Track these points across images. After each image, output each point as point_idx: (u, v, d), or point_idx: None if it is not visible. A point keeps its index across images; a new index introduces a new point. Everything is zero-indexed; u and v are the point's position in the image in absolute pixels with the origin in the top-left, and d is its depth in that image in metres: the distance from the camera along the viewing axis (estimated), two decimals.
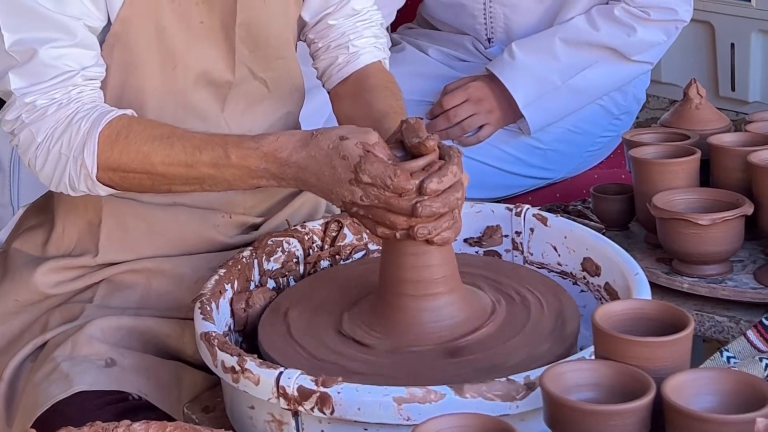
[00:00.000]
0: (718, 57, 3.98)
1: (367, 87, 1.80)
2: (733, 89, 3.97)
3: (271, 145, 1.50)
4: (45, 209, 1.82)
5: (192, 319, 1.53)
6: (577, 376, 1.18)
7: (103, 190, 1.59)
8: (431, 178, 1.43)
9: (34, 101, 1.55)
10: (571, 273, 1.69)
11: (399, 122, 1.53)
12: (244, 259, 1.64)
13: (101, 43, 1.62)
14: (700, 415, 1.09)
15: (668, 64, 3.92)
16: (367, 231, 1.56)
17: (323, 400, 1.30)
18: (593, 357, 1.26)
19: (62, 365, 1.62)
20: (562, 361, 1.25)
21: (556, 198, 2.60)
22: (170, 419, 1.55)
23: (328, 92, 1.88)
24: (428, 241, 1.47)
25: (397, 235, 1.46)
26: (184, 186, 1.57)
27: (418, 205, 1.43)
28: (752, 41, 3.87)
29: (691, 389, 1.14)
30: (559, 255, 1.70)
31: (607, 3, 2.56)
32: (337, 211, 1.97)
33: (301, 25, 1.88)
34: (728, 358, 1.52)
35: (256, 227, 1.81)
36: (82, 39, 1.58)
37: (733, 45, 3.92)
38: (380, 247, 1.71)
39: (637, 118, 2.86)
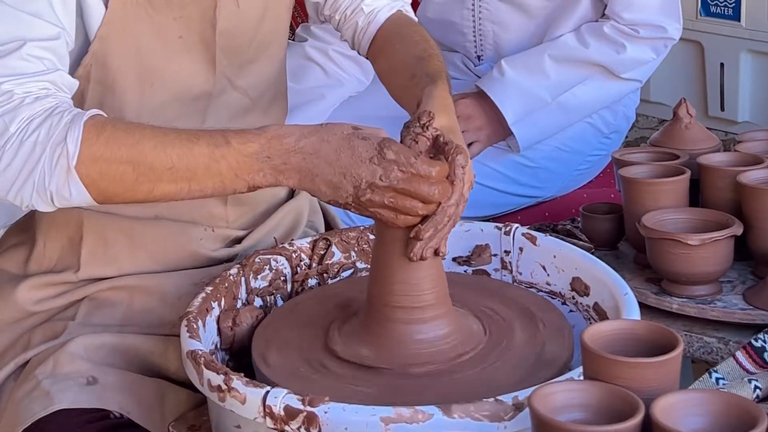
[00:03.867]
0: (708, 77, 3.99)
1: (396, 38, 1.80)
2: (722, 109, 3.97)
3: (276, 131, 1.44)
4: (26, 229, 1.80)
5: (175, 336, 1.52)
6: (566, 396, 1.17)
7: (75, 189, 1.45)
8: (427, 225, 1.43)
9: (11, 90, 1.46)
10: (559, 293, 1.68)
11: (435, 69, 1.55)
12: (231, 277, 1.63)
13: (79, 63, 1.60)
14: None
15: (657, 83, 3.93)
16: (380, 220, 1.46)
17: (310, 420, 1.28)
18: (582, 377, 1.25)
19: (43, 383, 1.60)
20: (551, 381, 1.24)
21: (545, 217, 2.60)
22: None
23: (367, 58, 1.88)
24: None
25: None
26: (171, 183, 1.46)
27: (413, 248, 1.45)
28: (741, 61, 3.88)
29: (680, 410, 1.13)
30: (548, 274, 1.69)
31: (596, 21, 2.56)
32: (321, 225, 1.97)
33: (315, 8, 1.90)
34: (717, 379, 1.52)
35: (239, 240, 1.80)
36: (61, 48, 1.53)
37: (722, 65, 3.93)
38: (368, 266, 1.71)
39: (626, 137, 2.86)
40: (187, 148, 1.44)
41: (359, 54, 1.91)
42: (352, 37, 1.89)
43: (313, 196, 1.47)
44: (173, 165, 1.45)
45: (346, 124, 1.45)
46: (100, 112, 1.50)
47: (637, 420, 1.11)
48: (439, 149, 1.44)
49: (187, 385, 1.54)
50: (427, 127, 1.44)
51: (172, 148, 1.44)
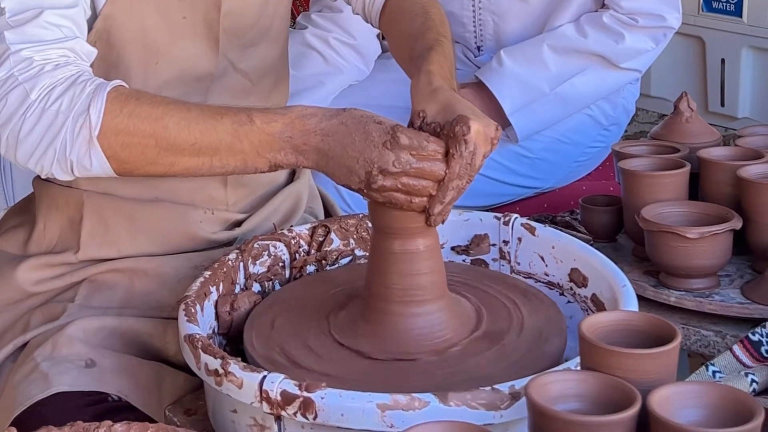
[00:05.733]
0: (708, 72, 3.99)
1: (399, 12, 1.79)
2: (722, 104, 3.97)
3: (300, 112, 1.44)
4: (26, 210, 1.81)
5: (174, 319, 1.52)
6: (563, 386, 1.17)
7: (97, 160, 1.46)
8: (434, 202, 1.42)
9: (31, 57, 1.46)
10: (557, 284, 1.68)
11: (430, 40, 1.56)
12: (229, 262, 1.63)
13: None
14: (685, 428, 1.08)
15: (658, 78, 3.92)
16: (393, 205, 1.44)
17: (306, 405, 1.28)
18: (579, 368, 1.25)
19: (42, 365, 1.60)
20: (548, 371, 1.24)
21: (544, 208, 2.60)
22: (150, 421, 1.55)
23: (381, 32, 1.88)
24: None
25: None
26: (193, 158, 1.46)
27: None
28: (743, 57, 3.88)
29: (677, 402, 1.13)
30: (546, 265, 1.69)
31: (596, 11, 2.56)
32: (320, 211, 1.97)
33: None
34: (714, 372, 1.52)
35: (238, 223, 1.79)
36: (79, 16, 1.54)
37: (723, 60, 3.92)
38: (367, 253, 1.71)
39: (626, 131, 2.86)
40: (210, 126, 1.45)
41: (374, 27, 1.89)
42: (362, 11, 1.88)
43: (330, 178, 1.46)
44: (196, 141, 1.45)
45: (366, 111, 1.44)
46: (123, 83, 1.50)
47: (633, 411, 1.11)
48: (443, 135, 1.43)
49: (185, 368, 1.53)
50: (422, 129, 1.44)
51: (195, 124, 1.45)
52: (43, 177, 1.50)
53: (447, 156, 1.41)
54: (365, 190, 1.43)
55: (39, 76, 1.45)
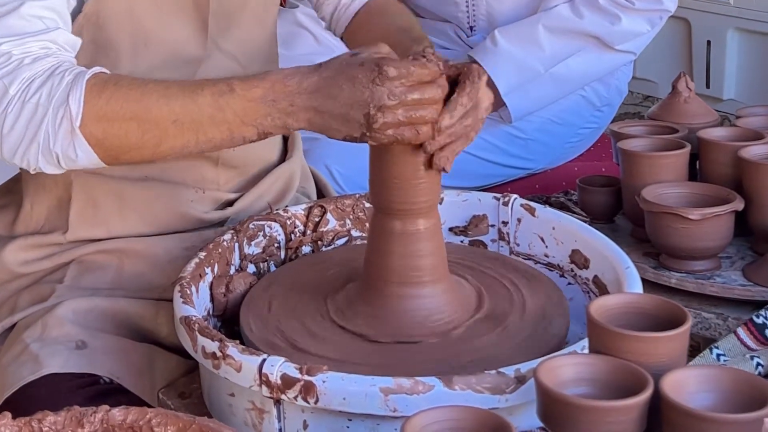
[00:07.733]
0: (694, 54, 3.99)
1: (379, 12, 1.77)
2: (707, 86, 3.98)
3: (278, 75, 1.40)
4: (12, 191, 1.77)
5: (166, 300, 1.50)
6: (573, 370, 1.15)
7: (81, 150, 1.43)
8: (443, 114, 1.39)
9: (9, 51, 1.43)
10: (558, 265, 1.66)
11: (421, 35, 1.56)
12: (224, 243, 1.60)
13: (72, 22, 1.55)
14: (698, 413, 1.06)
15: (643, 59, 3.91)
16: (403, 139, 1.41)
17: (307, 389, 1.26)
18: (585, 351, 1.23)
19: (31, 347, 1.58)
20: (557, 354, 1.23)
21: (536, 189, 2.58)
22: (142, 403, 1.53)
23: (341, 38, 1.86)
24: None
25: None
26: (177, 137, 1.43)
27: (427, 145, 1.41)
28: (728, 39, 3.88)
29: (690, 386, 1.11)
30: (546, 246, 1.67)
31: None
32: (313, 191, 1.94)
33: None
34: (718, 355, 1.51)
35: (230, 203, 1.77)
36: (61, 6, 1.50)
37: (709, 42, 3.92)
38: (363, 234, 1.68)
39: None
40: (191, 100, 1.42)
41: (334, 34, 1.88)
42: (331, 14, 1.86)
43: (328, 136, 1.42)
44: (177, 118, 1.42)
45: (344, 54, 1.41)
46: (103, 70, 1.46)
47: (646, 395, 1.09)
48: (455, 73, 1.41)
49: (177, 350, 1.51)
50: (429, 56, 1.41)
51: (175, 100, 1.42)
52: (32, 173, 1.47)
53: (451, 94, 1.40)
54: (368, 134, 1.39)
55: (18, 69, 1.42)
